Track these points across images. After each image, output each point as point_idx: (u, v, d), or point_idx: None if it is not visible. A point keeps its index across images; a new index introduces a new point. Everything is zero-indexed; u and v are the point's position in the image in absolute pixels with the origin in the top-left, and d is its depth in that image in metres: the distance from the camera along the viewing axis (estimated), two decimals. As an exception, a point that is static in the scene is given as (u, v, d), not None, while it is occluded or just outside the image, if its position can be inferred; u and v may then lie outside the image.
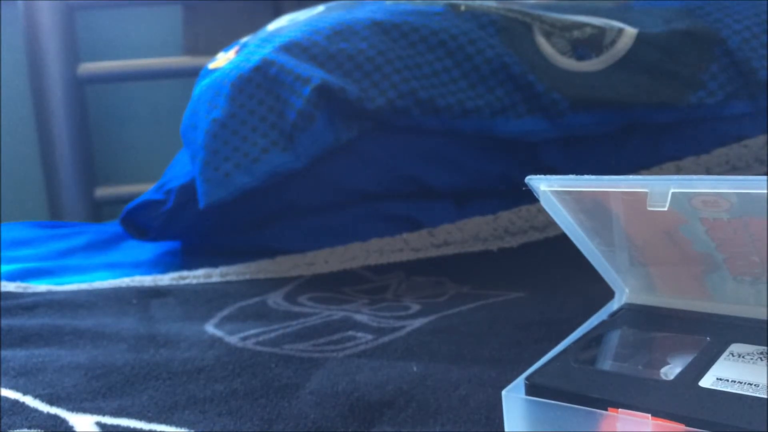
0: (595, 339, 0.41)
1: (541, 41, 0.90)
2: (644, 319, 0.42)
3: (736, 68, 0.87)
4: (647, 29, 0.91)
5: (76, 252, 1.00)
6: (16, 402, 0.51)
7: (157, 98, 1.42)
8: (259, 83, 0.85)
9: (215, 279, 0.82)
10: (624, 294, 0.44)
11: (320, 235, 0.88)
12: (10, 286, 0.79)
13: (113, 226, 1.10)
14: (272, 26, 1.00)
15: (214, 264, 0.85)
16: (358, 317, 0.66)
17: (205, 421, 0.47)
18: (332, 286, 0.78)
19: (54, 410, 0.49)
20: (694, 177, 0.34)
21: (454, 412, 0.46)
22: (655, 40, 0.89)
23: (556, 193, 0.39)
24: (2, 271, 0.88)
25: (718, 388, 0.34)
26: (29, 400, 0.51)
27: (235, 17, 1.33)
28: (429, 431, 0.45)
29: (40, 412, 0.49)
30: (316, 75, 0.83)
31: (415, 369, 0.53)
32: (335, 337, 0.62)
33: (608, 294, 0.45)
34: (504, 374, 0.50)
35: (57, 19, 1.28)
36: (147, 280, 0.82)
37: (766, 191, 0.32)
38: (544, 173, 0.38)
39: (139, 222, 0.95)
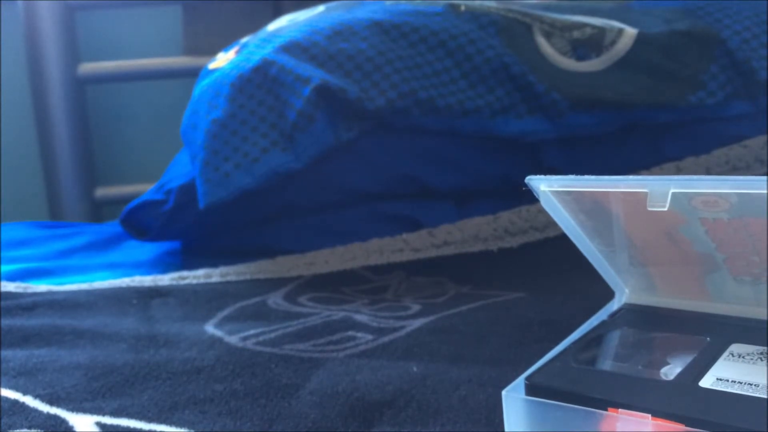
0: (595, 339, 0.41)
1: (541, 41, 0.90)
2: (644, 319, 0.42)
3: (736, 68, 0.87)
4: (647, 29, 0.91)
5: (76, 252, 1.00)
6: (16, 402, 0.51)
7: (157, 98, 1.42)
8: (259, 83, 0.85)
9: (215, 279, 0.82)
10: (624, 294, 0.44)
11: (320, 235, 0.88)
12: (10, 286, 0.79)
13: (113, 226, 1.10)
14: (272, 26, 1.00)
15: (214, 264, 0.85)
16: (358, 317, 0.66)
17: (205, 421, 0.47)
18: (332, 286, 0.78)
19: (54, 410, 0.49)
20: (694, 177, 0.34)
21: (454, 412, 0.46)
22: (655, 41, 0.89)
23: (556, 193, 0.39)
24: (2, 271, 0.88)
25: (718, 388, 0.34)
26: (29, 400, 0.51)
27: (235, 17, 1.33)
28: (429, 431, 0.45)
29: (40, 412, 0.49)
30: (316, 75, 0.83)
31: (415, 369, 0.53)
32: (335, 337, 0.62)
33: (608, 294, 0.45)
34: (504, 374, 0.50)
35: (57, 19, 1.28)
36: (147, 280, 0.82)
37: (766, 191, 0.32)
38: (544, 173, 0.38)
39: (139, 222, 0.95)
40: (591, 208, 0.39)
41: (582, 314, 0.44)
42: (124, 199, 1.19)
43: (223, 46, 1.06)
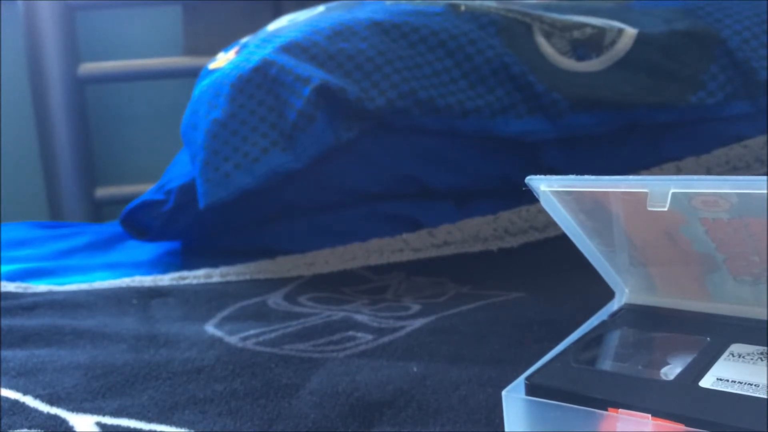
0: (595, 339, 0.41)
1: (541, 41, 0.90)
2: (644, 319, 0.42)
3: (736, 68, 0.87)
4: (647, 29, 0.91)
5: (76, 252, 1.00)
6: (16, 402, 0.51)
7: (157, 98, 1.42)
8: (259, 83, 0.85)
9: (215, 279, 0.82)
10: (624, 294, 0.44)
11: (320, 235, 0.88)
12: (10, 286, 0.79)
13: (113, 226, 1.10)
14: (272, 26, 1.00)
15: (214, 264, 0.85)
16: (358, 317, 0.66)
17: (205, 421, 0.47)
18: (332, 286, 0.78)
19: (54, 410, 0.49)
20: (694, 177, 0.34)
21: (454, 412, 0.46)
22: (655, 41, 0.89)
23: (556, 193, 0.39)
24: (2, 271, 0.88)
25: (718, 389, 0.34)
26: (29, 400, 0.51)
27: (235, 17, 1.33)
28: (429, 431, 0.45)
29: (40, 412, 0.49)
30: (316, 75, 0.83)
31: (415, 369, 0.53)
32: (335, 337, 0.62)
33: (608, 294, 0.45)
34: (504, 374, 0.50)
35: (57, 19, 1.28)
36: (147, 280, 0.82)
37: (766, 191, 0.32)
38: (544, 173, 0.38)
39: (139, 222, 0.95)
40: (591, 208, 0.39)
41: (582, 314, 0.44)
42: (124, 199, 1.19)
43: (223, 46, 1.06)
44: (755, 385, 0.34)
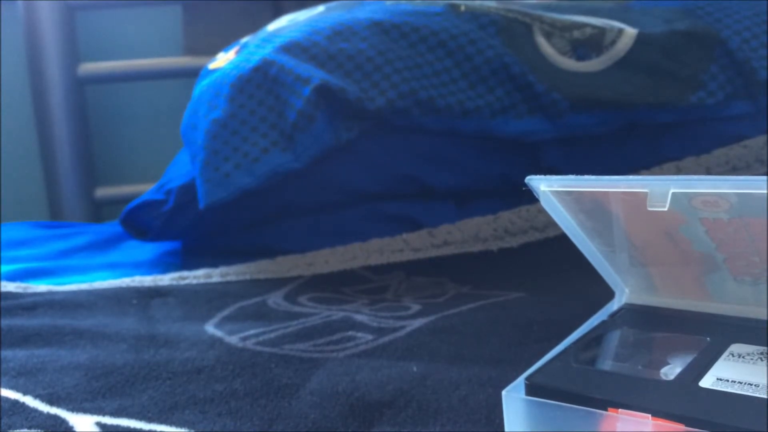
0: (595, 339, 0.41)
1: (541, 41, 0.90)
2: (644, 319, 0.42)
3: (736, 68, 0.87)
4: (647, 29, 0.91)
5: (76, 252, 1.00)
6: (16, 402, 0.51)
7: (157, 98, 1.42)
8: (259, 83, 0.85)
9: (215, 279, 0.82)
10: (624, 294, 0.44)
11: (320, 235, 0.88)
12: (10, 286, 0.79)
13: (113, 226, 1.10)
14: (272, 26, 1.00)
15: (214, 264, 0.85)
16: (358, 317, 0.66)
17: (205, 421, 0.47)
18: (332, 286, 0.78)
19: (54, 410, 0.49)
20: (694, 177, 0.34)
21: (454, 412, 0.46)
22: (655, 41, 0.89)
23: (556, 193, 0.39)
24: (2, 271, 0.88)
25: (718, 389, 0.34)
26: (29, 400, 0.51)
27: (235, 17, 1.33)
28: (429, 431, 0.45)
29: (40, 412, 0.49)
30: (316, 75, 0.83)
31: (415, 369, 0.53)
32: (335, 337, 0.62)
33: (608, 294, 0.45)
34: (504, 374, 0.50)
35: (57, 19, 1.28)
36: (147, 280, 0.82)
37: (766, 191, 0.32)
38: (544, 173, 0.38)
39: (139, 222, 0.95)
40: (591, 208, 0.39)
41: (582, 314, 0.44)
42: (124, 199, 1.19)
43: (223, 46, 1.06)
44: (755, 385, 0.34)
